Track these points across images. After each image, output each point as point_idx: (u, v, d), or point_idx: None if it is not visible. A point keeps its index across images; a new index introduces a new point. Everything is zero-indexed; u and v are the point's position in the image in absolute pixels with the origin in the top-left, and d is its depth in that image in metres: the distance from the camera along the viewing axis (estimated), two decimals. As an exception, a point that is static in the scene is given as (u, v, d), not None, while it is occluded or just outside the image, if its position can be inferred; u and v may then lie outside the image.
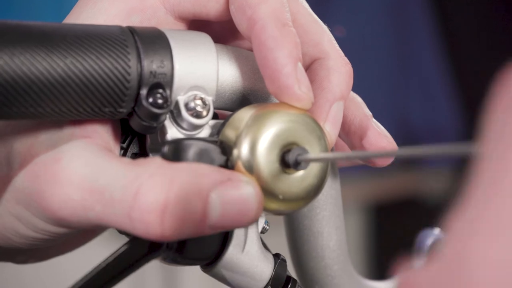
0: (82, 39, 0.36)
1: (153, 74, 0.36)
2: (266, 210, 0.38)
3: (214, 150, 0.37)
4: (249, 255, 0.39)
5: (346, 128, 0.43)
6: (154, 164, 0.35)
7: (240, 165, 0.37)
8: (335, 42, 0.41)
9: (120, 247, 0.37)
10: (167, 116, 0.38)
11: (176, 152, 0.37)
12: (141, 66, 0.36)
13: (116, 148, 0.39)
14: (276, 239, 0.55)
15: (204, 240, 0.38)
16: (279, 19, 0.38)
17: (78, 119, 0.38)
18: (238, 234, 0.39)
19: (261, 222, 0.40)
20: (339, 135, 0.43)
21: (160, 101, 0.36)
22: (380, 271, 2.09)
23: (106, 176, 0.35)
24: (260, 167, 0.37)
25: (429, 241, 0.52)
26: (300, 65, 0.38)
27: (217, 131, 0.38)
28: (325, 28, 0.42)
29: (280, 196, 0.37)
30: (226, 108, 0.41)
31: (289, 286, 0.41)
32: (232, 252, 0.39)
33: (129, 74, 0.36)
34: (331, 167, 0.43)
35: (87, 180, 0.35)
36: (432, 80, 1.92)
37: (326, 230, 0.45)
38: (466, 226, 0.22)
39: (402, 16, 1.91)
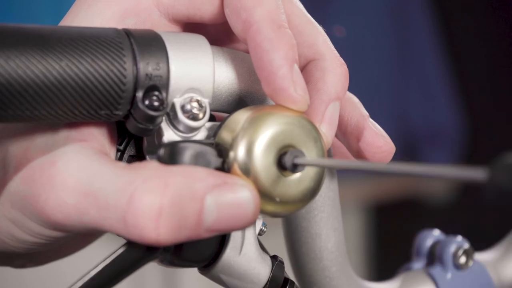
0: (77, 41, 0.36)
1: (149, 76, 0.36)
2: (263, 212, 0.38)
3: (210, 153, 0.37)
4: (247, 257, 0.39)
5: (343, 129, 0.42)
6: (149, 168, 0.35)
7: (236, 167, 0.37)
8: (330, 43, 0.41)
9: (117, 249, 0.37)
10: (163, 118, 0.38)
11: (172, 155, 0.37)
12: (137, 69, 0.36)
13: (112, 151, 0.39)
14: (274, 241, 0.55)
15: (201, 243, 0.38)
16: (274, 21, 0.38)
17: (74, 122, 0.37)
18: (235, 236, 0.39)
19: (259, 224, 0.40)
20: (337, 136, 0.43)
21: (156, 103, 0.36)
22: (380, 272, 2.09)
23: (101, 180, 0.35)
24: (257, 169, 0.37)
25: (428, 242, 0.52)
26: (296, 67, 0.38)
27: (214, 133, 0.38)
28: (320, 29, 0.41)
29: (277, 199, 0.37)
30: (223, 110, 0.40)
31: None
32: (229, 254, 0.39)
33: (124, 76, 0.36)
34: (328, 169, 0.43)
35: (82, 184, 0.35)
36: (432, 80, 1.92)
37: (324, 231, 0.45)
38: None
39: (402, 16, 1.91)
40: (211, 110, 0.39)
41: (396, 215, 2.09)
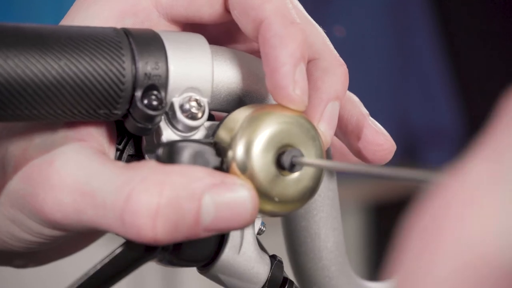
0: (76, 41, 0.36)
1: (147, 76, 0.36)
2: (262, 212, 0.38)
3: (209, 152, 0.37)
4: (245, 257, 0.39)
5: (343, 128, 0.42)
6: (147, 167, 0.35)
7: (235, 167, 0.37)
8: (329, 43, 0.41)
9: (116, 249, 0.37)
10: (162, 117, 0.37)
11: (170, 155, 0.37)
12: (135, 68, 0.36)
13: (111, 150, 0.39)
14: (273, 240, 0.55)
15: (200, 242, 0.38)
16: (285, 16, 0.38)
17: (73, 122, 0.37)
18: (234, 235, 0.39)
19: (258, 224, 0.40)
20: (337, 135, 0.43)
21: (154, 103, 0.36)
22: (379, 272, 2.09)
23: (98, 179, 0.35)
24: (255, 169, 0.36)
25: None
26: (302, 66, 0.37)
27: (213, 132, 0.38)
28: (319, 29, 0.41)
29: (276, 198, 0.37)
30: (222, 109, 0.40)
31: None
32: (228, 254, 0.39)
33: (123, 76, 0.36)
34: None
35: (80, 183, 0.35)
36: (432, 80, 1.92)
37: (323, 231, 0.45)
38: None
39: (402, 16, 1.91)
40: (210, 110, 0.39)
41: (396, 215, 2.09)
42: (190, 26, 0.41)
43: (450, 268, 0.21)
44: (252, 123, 0.37)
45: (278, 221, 0.46)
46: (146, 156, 0.39)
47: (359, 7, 1.88)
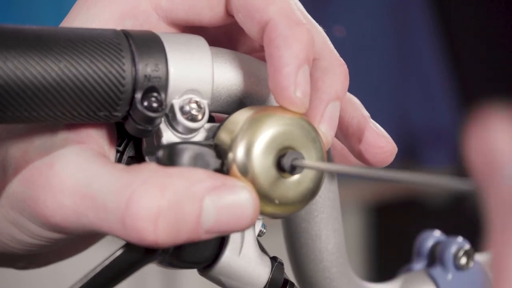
0: (76, 42, 0.35)
1: (147, 77, 0.36)
2: (262, 213, 0.38)
3: (209, 154, 0.37)
4: (246, 259, 0.39)
5: (344, 130, 0.42)
6: (147, 170, 0.35)
7: (235, 169, 0.36)
8: (330, 43, 0.41)
9: (116, 251, 0.37)
10: (162, 119, 0.37)
11: (170, 157, 0.36)
12: (135, 70, 0.36)
13: (111, 152, 0.39)
14: (274, 242, 0.55)
15: (201, 244, 0.38)
16: (290, 17, 0.37)
17: (73, 124, 0.37)
18: (234, 237, 0.39)
19: (258, 225, 0.40)
20: (338, 137, 0.43)
21: (155, 104, 0.36)
22: (380, 273, 2.09)
23: (99, 182, 0.35)
24: (256, 171, 0.36)
25: (429, 243, 0.52)
26: (305, 67, 0.37)
27: (213, 134, 0.38)
28: (319, 29, 0.41)
29: (276, 201, 0.37)
30: (222, 111, 0.40)
31: None
32: (229, 256, 0.39)
33: (123, 78, 0.36)
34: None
35: (80, 186, 0.35)
36: (432, 80, 1.92)
37: (324, 232, 0.45)
38: None
39: (402, 16, 1.91)
40: (210, 111, 0.39)
41: (396, 216, 2.09)
42: (189, 28, 0.41)
43: None
44: (252, 125, 0.37)
45: (278, 222, 0.46)
46: (146, 158, 0.39)
47: (359, 7, 1.88)
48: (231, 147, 0.37)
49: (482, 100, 1.88)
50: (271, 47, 0.37)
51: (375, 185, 1.94)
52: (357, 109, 0.43)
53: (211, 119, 0.39)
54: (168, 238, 0.34)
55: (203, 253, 0.38)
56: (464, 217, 1.90)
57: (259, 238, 0.41)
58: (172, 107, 0.37)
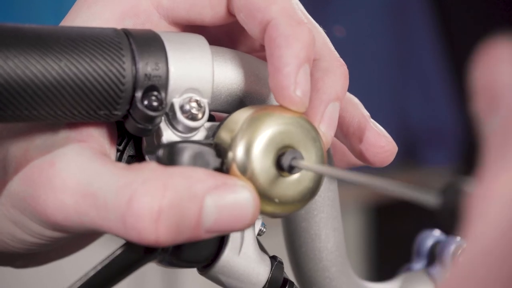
0: (76, 41, 0.35)
1: (147, 76, 0.36)
2: (262, 213, 0.38)
3: (209, 153, 0.37)
4: (246, 258, 0.39)
5: (344, 130, 0.42)
6: (148, 169, 0.35)
7: (235, 168, 0.37)
8: (330, 43, 0.41)
9: (116, 250, 0.37)
10: (163, 118, 0.37)
11: (170, 156, 0.36)
12: (135, 69, 0.36)
13: (112, 151, 0.39)
14: (273, 241, 0.55)
15: (200, 243, 0.38)
16: (291, 17, 0.37)
17: (73, 123, 0.37)
18: (234, 236, 0.39)
19: (258, 225, 0.40)
20: (338, 137, 0.43)
21: (155, 103, 0.36)
22: (380, 272, 2.09)
23: (100, 181, 0.35)
24: (255, 170, 0.36)
25: (428, 242, 0.52)
26: (306, 67, 0.37)
27: (213, 133, 0.38)
28: (320, 29, 0.41)
29: (276, 200, 0.37)
30: (222, 110, 0.40)
31: None
32: (229, 255, 0.39)
33: (123, 76, 0.36)
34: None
35: (81, 185, 0.35)
36: (432, 80, 1.92)
37: (323, 232, 0.45)
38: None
39: (402, 16, 1.91)
40: (210, 110, 0.39)
41: (396, 216, 2.09)
42: (191, 27, 0.41)
43: None
44: (252, 124, 0.37)
45: (278, 222, 0.46)
46: (146, 157, 0.39)
47: (359, 7, 1.88)
48: (231, 146, 0.37)
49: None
50: (272, 46, 0.37)
51: (375, 185, 1.94)
52: (358, 109, 0.43)
53: (211, 118, 0.39)
54: (169, 238, 0.34)
55: (202, 252, 0.39)
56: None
57: (259, 237, 0.41)
58: (172, 106, 0.37)
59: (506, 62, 0.23)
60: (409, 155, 1.92)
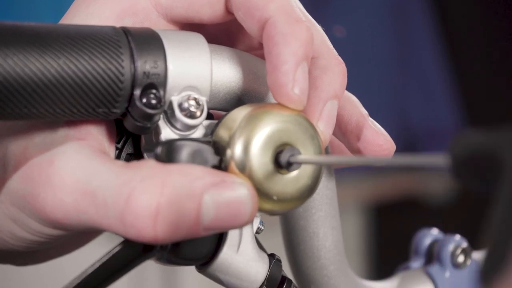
0: (75, 39, 0.36)
1: (146, 74, 0.36)
2: (260, 210, 0.38)
3: (207, 151, 0.37)
4: (244, 255, 0.39)
5: (343, 128, 0.42)
6: (146, 167, 0.35)
7: (233, 165, 0.37)
8: (329, 42, 0.41)
9: (114, 247, 0.37)
10: (161, 116, 0.38)
11: (169, 153, 0.37)
12: (134, 67, 0.36)
13: (111, 149, 0.39)
14: (272, 239, 0.55)
15: (199, 241, 0.38)
16: (290, 14, 0.38)
17: (73, 121, 0.37)
18: (232, 234, 0.39)
19: (256, 223, 0.40)
20: (336, 135, 0.43)
21: (153, 101, 0.36)
22: (379, 271, 2.09)
23: (99, 179, 0.35)
24: (254, 167, 0.37)
25: (426, 241, 0.52)
26: (304, 65, 0.37)
27: (211, 131, 0.38)
28: (318, 28, 0.41)
29: (274, 197, 0.37)
30: (221, 108, 0.40)
31: (284, 286, 0.41)
32: (227, 253, 0.39)
33: (122, 74, 0.36)
34: (326, 168, 0.43)
35: (80, 183, 0.35)
36: (432, 80, 1.92)
37: (321, 230, 0.45)
38: None
39: (402, 16, 1.91)
40: (209, 108, 0.39)
41: (396, 215, 2.09)
42: (189, 25, 0.41)
43: None
44: (250, 122, 0.37)
45: (276, 220, 0.46)
46: (145, 155, 0.39)
47: (359, 7, 1.88)
48: (229, 143, 0.37)
49: (481, 100, 1.88)
50: (270, 44, 0.37)
51: (375, 185, 1.94)
52: (356, 107, 0.43)
53: (209, 116, 0.39)
54: (167, 235, 0.34)
55: (201, 249, 0.39)
56: (464, 216, 1.90)
57: (257, 235, 0.41)
58: (170, 104, 0.37)
59: None
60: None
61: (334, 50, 0.41)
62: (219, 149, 0.37)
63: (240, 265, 0.39)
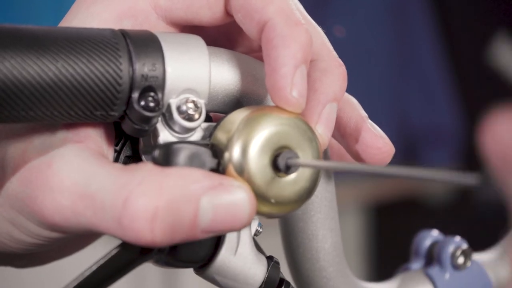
0: (73, 42, 0.36)
1: (144, 77, 0.36)
2: (258, 213, 0.38)
3: (205, 154, 0.37)
4: (242, 258, 0.39)
5: (341, 130, 0.42)
6: (144, 170, 0.35)
7: (231, 168, 0.37)
8: (329, 44, 0.41)
9: (111, 250, 0.37)
10: (159, 119, 0.37)
11: (166, 156, 0.37)
12: (132, 70, 0.36)
13: (109, 151, 0.39)
14: (271, 241, 0.55)
15: (197, 243, 0.38)
16: (289, 17, 0.37)
17: (71, 123, 0.37)
18: (230, 237, 0.39)
19: (254, 225, 0.40)
20: (335, 137, 0.43)
21: (151, 104, 0.36)
22: (379, 272, 2.09)
23: (97, 182, 0.35)
24: (252, 170, 0.37)
25: (426, 242, 0.52)
26: (303, 68, 0.37)
27: (210, 134, 0.38)
28: (318, 29, 0.41)
29: (272, 200, 0.37)
30: (219, 110, 0.40)
31: None
32: (225, 255, 0.39)
33: (120, 77, 0.36)
34: (324, 170, 0.43)
35: (78, 186, 0.35)
36: (432, 80, 1.92)
37: (320, 232, 0.45)
38: None
39: (402, 16, 1.91)
40: (207, 111, 0.39)
41: (396, 216, 2.09)
42: (188, 27, 0.41)
43: None
44: (249, 125, 0.37)
45: (275, 222, 0.46)
46: (143, 157, 0.39)
47: (359, 7, 1.88)
48: (227, 146, 0.37)
49: (481, 100, 1.88)
50: (269, 46, 0.37)
51: (374, 185, 1.94)
52: (355, 110, 0.43)
53: (208, 119, 0.39)
54: (165, 238, 0.34)
55: (199, 252, 0.39)
56: (463, 217, 1.90)
57: (255, 237, 0.41)
58: (169, 106, 0.37)
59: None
60: (409, 155, 1.92)
61: (334, 52, 0.41)
62: (217, 152, 0.37)
63: (238, 267, 0.39)
